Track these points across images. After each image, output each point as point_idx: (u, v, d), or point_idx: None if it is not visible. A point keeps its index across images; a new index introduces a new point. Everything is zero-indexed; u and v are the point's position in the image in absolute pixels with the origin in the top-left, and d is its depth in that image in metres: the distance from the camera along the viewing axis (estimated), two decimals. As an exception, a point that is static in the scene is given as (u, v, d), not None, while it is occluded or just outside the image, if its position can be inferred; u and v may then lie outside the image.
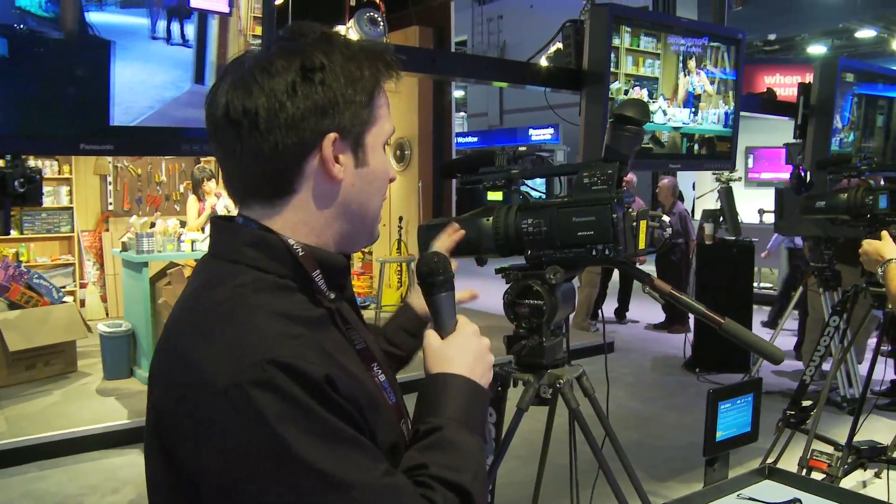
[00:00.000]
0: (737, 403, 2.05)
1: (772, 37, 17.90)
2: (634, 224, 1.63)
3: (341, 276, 1.10)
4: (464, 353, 1.15)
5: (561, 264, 1.67)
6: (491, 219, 1.72)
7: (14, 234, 9.01)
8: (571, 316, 1.92)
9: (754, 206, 11.27)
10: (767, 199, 10.01)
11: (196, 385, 0.92)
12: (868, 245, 2.64)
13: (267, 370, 0.89)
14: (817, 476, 3.19)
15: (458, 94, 22.63)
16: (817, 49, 18.99)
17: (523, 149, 1.84)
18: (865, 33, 19.22)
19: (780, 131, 7.40)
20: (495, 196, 1.76)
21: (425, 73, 3.34)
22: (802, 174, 5.18)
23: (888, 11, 17.97)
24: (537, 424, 2.12)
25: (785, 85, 11.14)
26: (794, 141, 5.32)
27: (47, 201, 9.14)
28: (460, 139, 19.79)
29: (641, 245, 1.64)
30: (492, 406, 1.91)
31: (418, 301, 1.63)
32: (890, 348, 6.73)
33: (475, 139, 22.28)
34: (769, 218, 10.49)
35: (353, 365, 1.03)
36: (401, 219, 9.74)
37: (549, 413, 2.18)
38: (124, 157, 9.56)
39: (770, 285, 11.04)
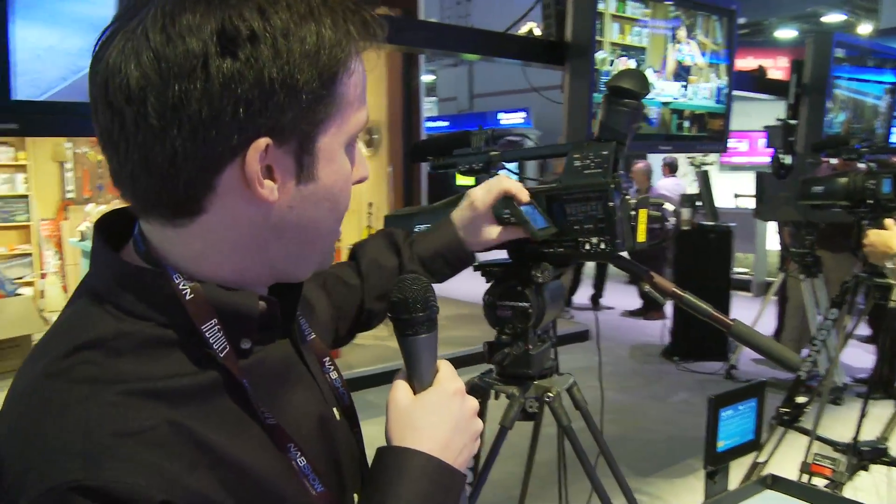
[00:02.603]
0: (739, 410, 1.86)
1: (741, 20, 17.85)
2: (633, 213, 1.41)
3: (251, 325, 0.78)
4: (438, 419, 0.85)
5: (549, 260, 1.46)
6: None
7: (-33, 223, 8.70)
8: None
9: (729, 190, 11.16)
10: (742, 182, 9.92)
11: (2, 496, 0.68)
12: (875, 236, 2.51)
13: (67, 499, 0.63)
14: (819, 482, 3.03)
15: (428, 78, 22.37)
16: (785, 33, 18.95)
17: (490, 130, 1.61)
18: (833, 17, 19.24)
19: (755, 114, 7.27)
20: (466, 181, 1.53)
21: (392, 45, 3.09)
22: (783, 158, 5.03)
23: (856, -5, 17.99)
24: (520, 427, 1.91)
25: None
26: (775, 123, 5.16)
27: (3, 189, 8.80)
28: (430, 123, 19.52)
29: (641, 238, 1.43)
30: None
31: (473, 235, 1.36)
32: (870, 334, 6.64)
33: (446, 123, 22.03)
34: (744, 202, 10.39)
35: (250, 449, 0.75)
36: (370, 205, 9.50)
37: (535, 428, 1.97)
38: (81, 142, 9.18)
39: (746, 270, 10.95)
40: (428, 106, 22.74)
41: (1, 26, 1.78)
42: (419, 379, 0.88)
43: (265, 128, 0.70)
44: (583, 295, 9.25)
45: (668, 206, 1.46)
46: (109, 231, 0.81)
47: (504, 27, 4.07)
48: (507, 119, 19.74)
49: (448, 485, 0.84)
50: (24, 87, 1.84)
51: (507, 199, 1.35)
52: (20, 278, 8.21)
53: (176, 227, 0.75)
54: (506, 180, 1.38)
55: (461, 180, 1.62)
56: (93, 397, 0.68)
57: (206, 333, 0.74)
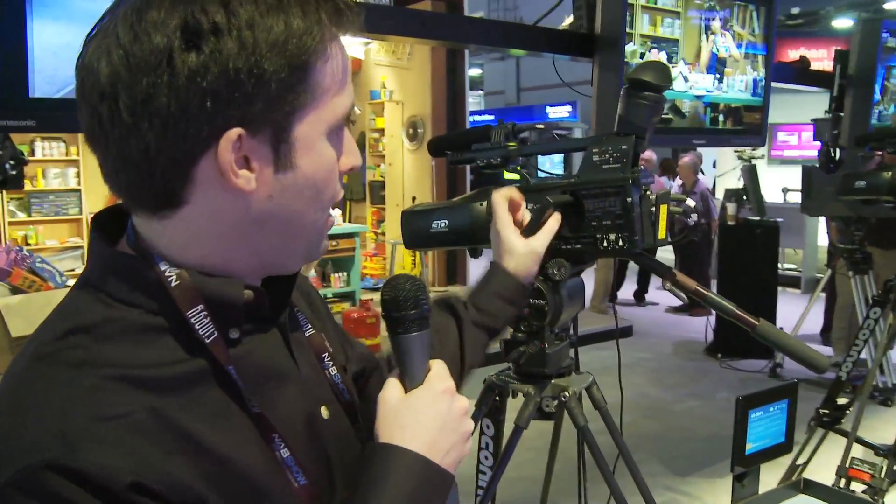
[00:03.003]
0: (769, 411, 1.81)
1: (795, 10, 17.37)
2: (653, 209, 1.38)
3: (237, 313, 0.79)
4: (425, 418, 0.84)
5: (566, 257, 1.42)
6: (485, 203, 1.47)
7: (22, 216, 8.91)
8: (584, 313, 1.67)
9: (777, 184, 10.94)
10: (791, 176, 9.70)
11: None
12: None
13: (42, 477, 0.65)
14: (858, 487, 2.94)
15: (474, 72, 22.32)
16: (843, 22, 18.41)
17: (541, 126, 1.58)
18: (895, 4, 18.60)
19: (807, 107, 7.09)
20: (513, 176, 1.51)
21: (413, 38, 3.07)
22: (832, 151, 4.90)
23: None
24: (547, 425, 1.88)
25: (812, 59, 10.77)
26: (823, 116, 5.03)
27: (55, 183, 9.02)
28: (476, 117, 19.48)
29: (662, 234, 1.39)
30: (489, 418, 1.68)
31: (513, 259, 1.31)
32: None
33: (492, 117, 21.96)
34: (793, 197, 10.17)
35: (234, 439, 0.75)
36: (414, 199, 9.52)
37: (555, 428, 1.94)
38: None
39: (795, 266, 10.73)
40: (475, 100, 22.71)
41: (19, 25, 1.81)
42: (410, 377, 0.87)
43: (236, 118, 0.71)
44: (627, 291, 9.16)
45: (690, 202, 1.43)
46: (111, 226, 0.83)
47: (554, 20, 4.03)
48: (554, 112, 19.61)
49: (435, 483, 0.83)
50: (41, 85, 1.87)
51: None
52: (71, 271, 8.37)
53: (161, 219, 0.76)
54: (500, 192, 1.36)
55: (509, 175, 1.59)
56: (75, 380, 0.70)
57: (192, 319, 0.75)
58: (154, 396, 0.71)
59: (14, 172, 4.62)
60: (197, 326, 0.75)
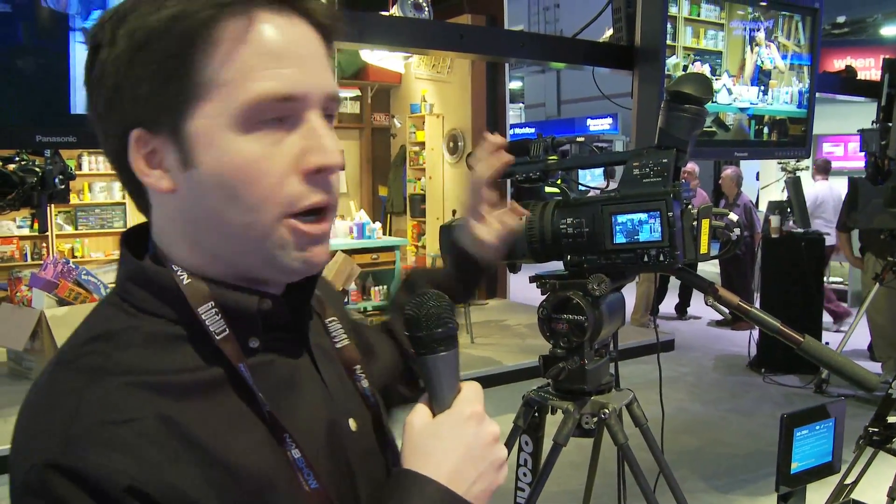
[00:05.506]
0: (815, 430, 1.76)
1: (841, 19, 17.06)
2: (695, 223, 1.35)
3: (254, 322, 0.78)
4: (449, 445, 0.80)
5: (606, 272, 1.41)
6: (524, 218, 1.46)
7: (69, 229, 9.09)
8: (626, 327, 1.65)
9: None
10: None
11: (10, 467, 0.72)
12: None
13: (44, 476, 0.66)
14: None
15: (515, 85, 22.33)
16: (892, 30, 17.98)
17: (581, 139, 1.58)
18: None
19: (853, 116, 6.96)
20: (554, 192, 1.50)
21: (452, 51, 3.07)
22: (879, 162, 4.81)
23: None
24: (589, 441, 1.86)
25: (858, 69, 10.57)
26: (870, 127, 4.94)
27: (101, 197, 9.19)
28: (517, 130, 19.46)
29: (704, 248, 1.37)
30: (527, 434, 1.67)
31: (469, 234, 1.30)
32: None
33: (532, 130, 21.92)
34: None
35: (247, 447, 0.74)
36: (454, 212, 9.52)
37: (595, 446, 1.91)
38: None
39: (841, 279, 10.51)
40: (515, 113, 22.71)
41: (63, 44, 1.86)
42: (438, 400, 0.83)
43: (130, 119, 0.75)
44: (669, 304, 9.06)
45: (733, 216, 1.40)
46: (141, 243, 0.84)
47: (594, 33, 4.01)
48: (595, 125, 19.53)
49: None
50: (83, 101, 1.90)
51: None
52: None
53: (151, 220, 0.82)
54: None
55: (550, 189, 1.58)
56: (90, 386, 0.71)
57: (203, 316, 0.75)
58: (168, 402, 0.71)
59: (62, 187, 4.70)
60: (208, 323, 0.75)
